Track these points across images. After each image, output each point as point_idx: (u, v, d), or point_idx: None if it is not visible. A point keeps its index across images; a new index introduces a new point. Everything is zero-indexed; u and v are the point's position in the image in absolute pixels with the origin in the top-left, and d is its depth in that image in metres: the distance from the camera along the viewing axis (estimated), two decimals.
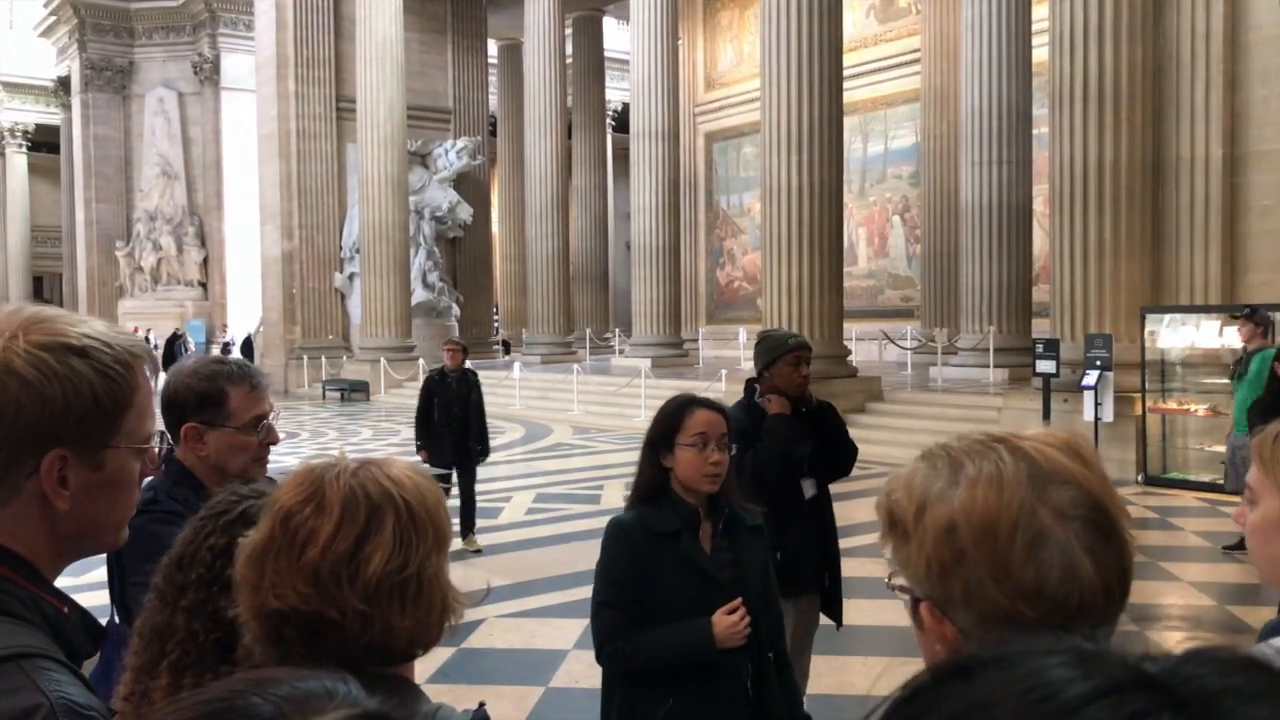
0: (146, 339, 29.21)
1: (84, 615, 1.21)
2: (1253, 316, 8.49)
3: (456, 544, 8.55)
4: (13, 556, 1.14)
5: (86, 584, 3.82)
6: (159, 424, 1.23)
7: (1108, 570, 0.96)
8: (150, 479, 2.32)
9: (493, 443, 16.28)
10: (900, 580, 1.04)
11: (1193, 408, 11.41)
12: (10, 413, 1.09)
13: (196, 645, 1.40)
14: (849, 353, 16.29)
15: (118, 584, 2.28)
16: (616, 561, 2.78)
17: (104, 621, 2.31)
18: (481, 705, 1.21)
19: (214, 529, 1.45)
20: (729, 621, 2.71)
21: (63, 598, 1.18)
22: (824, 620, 4.36)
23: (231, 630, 1.37)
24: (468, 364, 9.61)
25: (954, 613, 0.98)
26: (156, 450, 1.25)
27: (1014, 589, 0.94)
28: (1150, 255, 12.09)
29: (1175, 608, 6.89)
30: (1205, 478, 11.12)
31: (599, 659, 2.78)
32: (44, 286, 47.06)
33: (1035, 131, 18.10)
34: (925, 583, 1.00)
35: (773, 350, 4.23)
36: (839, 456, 4.32)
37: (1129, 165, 11.91)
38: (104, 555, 2.32)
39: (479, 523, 9.81)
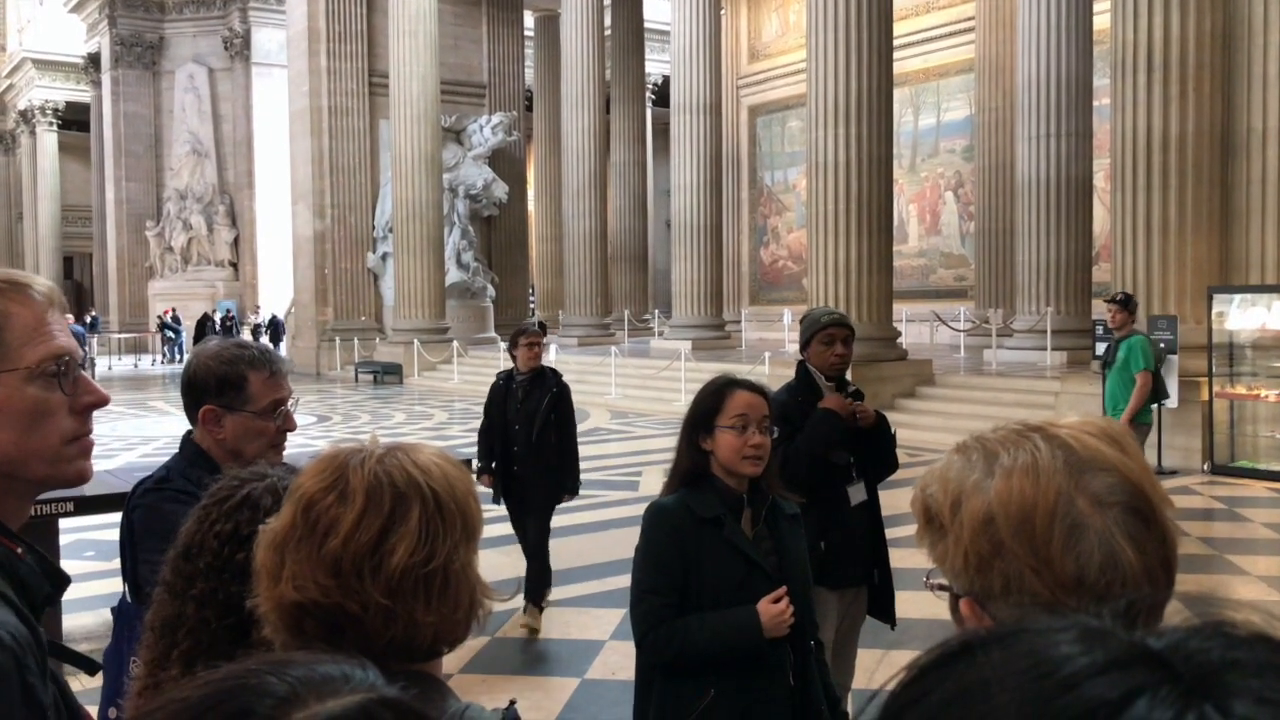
0: (164, 320, 29.28)
1: (43, 561, 1.24)
2: (1126, 304, 8.53)
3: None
4: None
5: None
6: (62, 347, 1.25)
7: (1150, 557, 0.97)
8: (167, 461, 2.37)
9: None
10: (939, 579, 1.04)
11: (1263, 393, 11.21)
12: None
13: (208, 633, 1.41)
14: (899, 335, 16.15)
15: (129, 562, 2.32)
16: (659, 547, 2.77)
17: (115, 601, 2.35)
18: (512, 703, 1.20)
19: (218, 515, 1.46)
20: (775, 610, 2.71)
21: (16, 539, 1.21)
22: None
23: (245, 617, 1.37)
24: (549, 362, 7.31)
25: (994, 607, 0.98)
26: (69, 375, 1.26)
27: (1054, 579, 0.95)
28: (1218, 232, 11.87)
29: (1243, 603, 6.78)
30: (1276, 466, 10.92)
31: (641, 647, 2.77)
32: (74, 267, 47.85)
33: (1096, 103, 17.81)
34: (964, 577, 1.00)
35: (808, 328, 4.21)
36: (882, 468, 4.33)
37: (1196, 137, 11.68)
38: (118, 535, 2.37)
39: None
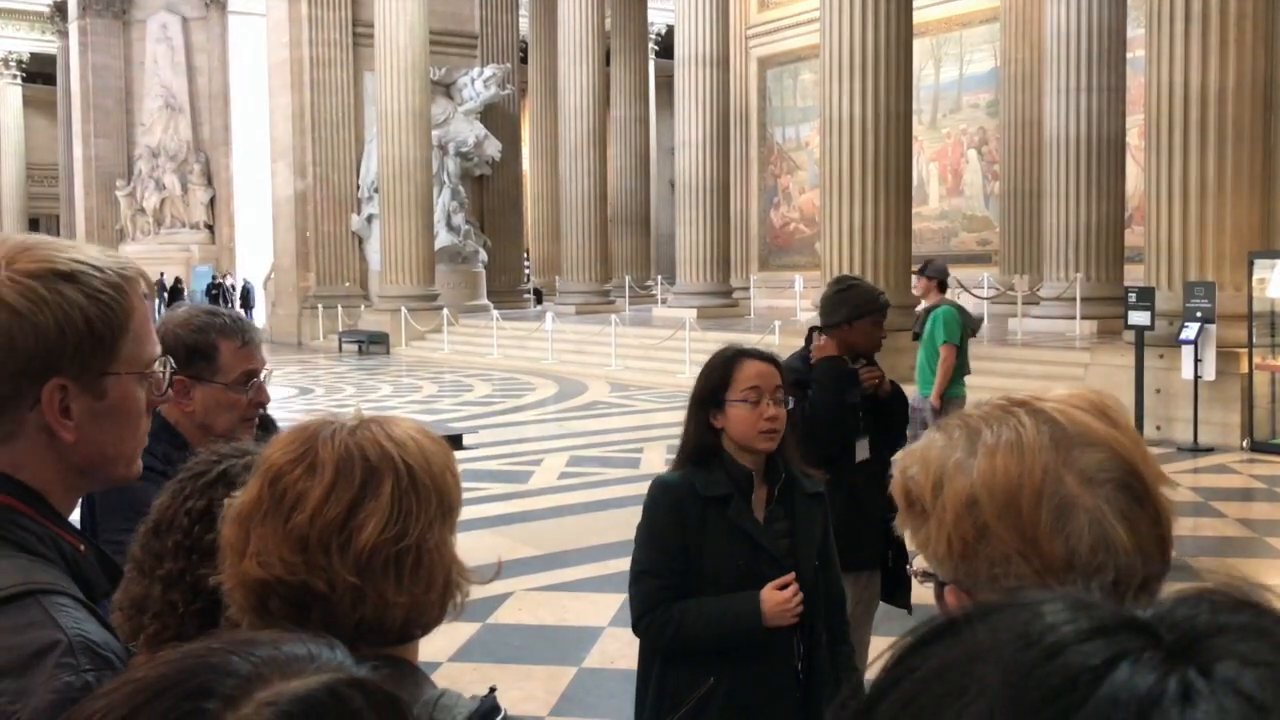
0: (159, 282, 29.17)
1: (101, 555, 1.29)
2: (924, 271, 8.67)
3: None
4: (27, 491, 1.21)
5: None
6: (159, 348, 1.31)
7: (1144, 537, 0.97)
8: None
9: (523, 400, 16.59)
10: (923, 565, 1.04)
11: None
12: (4, 345, 1.16)
13: (176, 617, 1.41)
14: (918, 303, 16.09)
15: None
16: (660, 525, 2.76)
17: None
18: (492, 690, 1.19)
19: (192, 491, 1.46)
20: (779, 598, 2.69)
21: (80, 535, 1.25)
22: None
23: (214, 601, 1.36)
24: None
25: (981, 594, 0.98)
26: (161, 376, 1.31)
27: (1043, 563, 0.95)
28: (1260, 193, 11.81)
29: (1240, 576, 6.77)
30: None
31: (636, 630, 2.78)
32: (40, 229, 47.70)
33: (1130, 55, 17.67)
34: (948, 563, 1.00)
35: (864, 305, 4.24)
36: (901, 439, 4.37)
37: (1237, 92, 11.59)
38: (77, 512, 2.36)
39: (506, 488, 9.85)
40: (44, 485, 1.23)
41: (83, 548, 1.25)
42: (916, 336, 8.75)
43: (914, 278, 9.14)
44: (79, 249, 1.25)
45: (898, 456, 1.10)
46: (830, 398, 4.07)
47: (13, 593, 1.12)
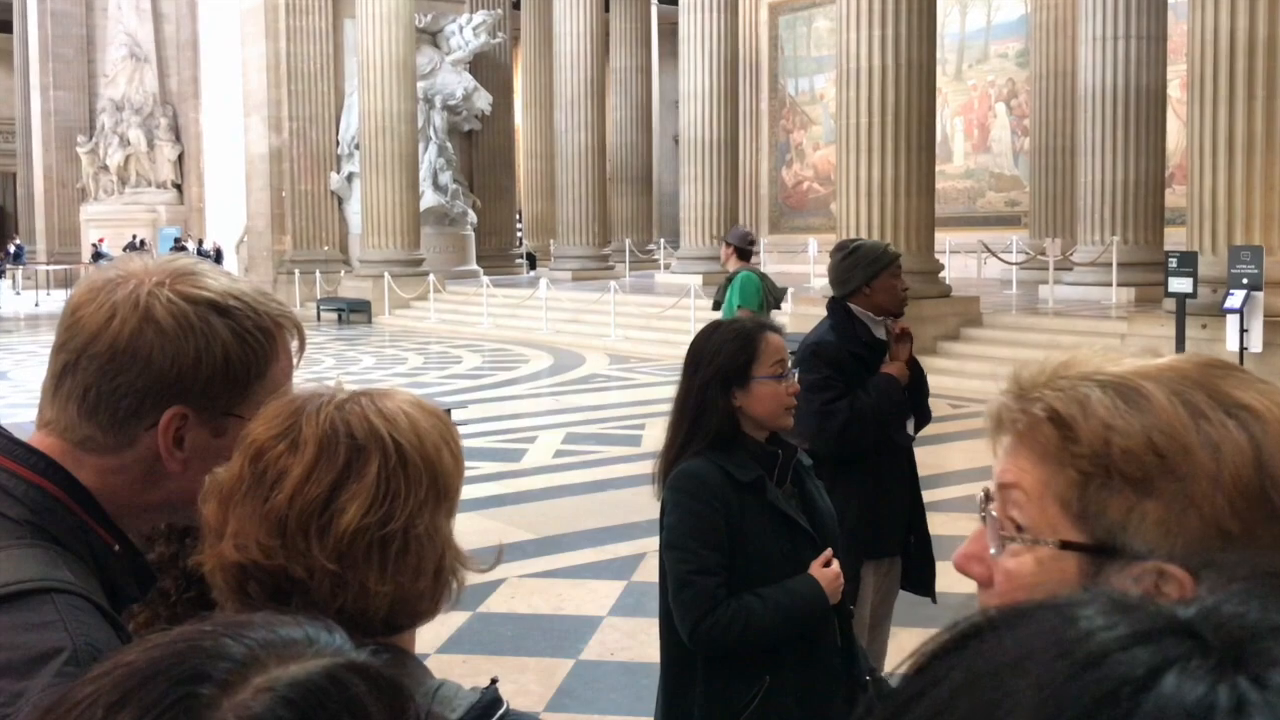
0: (98, 249, 29.34)
1: (135, 557, 1.32)
2: (726, 237, 9.01)
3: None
4: (79, 488, 1.25)
5: None
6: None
7: None
8: None
9: (515, 373, 16.61)
10: (1043, 538, 0.95)
11: None
12: (142, 360, 1.24)
13: (167, 606, 1.42)
14: (941, 268, 16.12)
15: None
16: (704, 520, 2.74)
17: None
18: (494, 682, 1.19)
19: None
20: (831, 574, 2.75)
21: (116, 534, 1.28)
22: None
23: (208, 588, 1.37)
24: None
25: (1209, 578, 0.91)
26: None
27: None
28: None
29: None
30: None
31: (694, 638, 2.70)
32: None
33: (1170, 0, 17.59)
34: (1178, 543, 0.90)
35: (877, 262, 4.25)
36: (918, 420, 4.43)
37: None
38: None
39: (498, 467, 9.87)
40: (111, 498, 1.27)
41: (117, 547, 1.27)
42: (717, 305, 8.98)
43: (722, 246, 9.62)
44: (240, 285, 1.32)
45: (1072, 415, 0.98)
46: (882, 420, 4.11)
47: (29, 588, 1.14)
